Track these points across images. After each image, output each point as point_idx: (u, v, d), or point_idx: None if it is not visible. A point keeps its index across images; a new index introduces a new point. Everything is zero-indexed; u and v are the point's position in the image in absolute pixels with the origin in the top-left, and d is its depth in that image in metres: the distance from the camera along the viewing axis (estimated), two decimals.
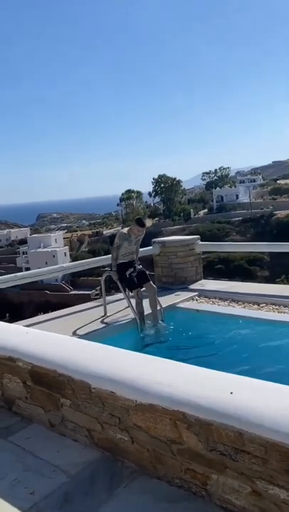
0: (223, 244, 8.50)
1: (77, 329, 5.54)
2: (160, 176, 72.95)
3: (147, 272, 6.00)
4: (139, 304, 5.74)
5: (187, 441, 1.99)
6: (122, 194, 72.83)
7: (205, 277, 7.90)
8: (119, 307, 6.27)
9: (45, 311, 11.43)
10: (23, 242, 69.37)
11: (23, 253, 63.65)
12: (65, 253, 61.43)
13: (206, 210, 73.64)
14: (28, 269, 61.20)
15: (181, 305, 6.50)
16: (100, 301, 6.45)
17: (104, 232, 68.71)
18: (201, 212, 72.94)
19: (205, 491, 1.98)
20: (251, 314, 5.80)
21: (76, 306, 6.97)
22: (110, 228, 73.35)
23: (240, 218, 62.93)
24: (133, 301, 5.75)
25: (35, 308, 48.63)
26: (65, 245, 64.79)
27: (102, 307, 6.24)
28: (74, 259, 58.59)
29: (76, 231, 73.80)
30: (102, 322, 5.84)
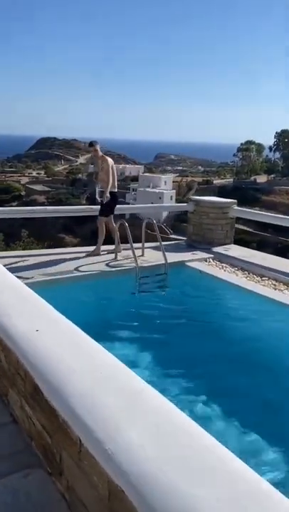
0: (259, 214, 8.27)
1: (81, 266, 6.20)
2: (283, 131, 68.05)
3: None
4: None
5: (3, 360, 2.53)
6: (241, 144, 69.87)
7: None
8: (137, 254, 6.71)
9: None
10: (135, 179, 71.46)
11: (133, 190, 65.84)
12: (171, 196, 62.09)
13: None
14: None
15: (191, 264, 6.75)
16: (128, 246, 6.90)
17: (214, 182, 67.49)
18: None
19: (7, 400, 2.54)
20: (244, 285, 5.88)
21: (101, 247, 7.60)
22: (222, 178, 71.71)
23: None
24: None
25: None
26: (173, 189, 65.39)
27: (122, 251, 6.80)
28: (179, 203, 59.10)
29: (187, 176, 73.54)
30: (107, 264, 6.41)
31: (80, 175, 72.10)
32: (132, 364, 4.21)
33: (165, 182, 65.71)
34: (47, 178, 74.57)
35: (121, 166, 79.64)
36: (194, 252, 7.22)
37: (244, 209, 8.16)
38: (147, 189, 63.13)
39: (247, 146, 68.23)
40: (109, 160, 6.71)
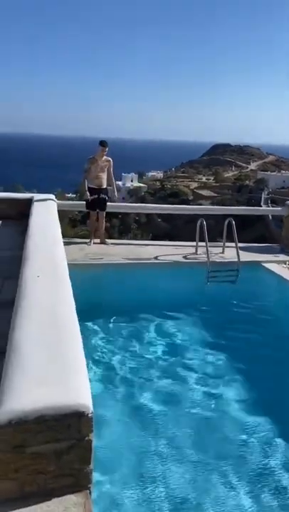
0: None
1: (161, 256, 7.15)
2: None
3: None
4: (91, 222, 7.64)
5: None
6: None
7: None
8: (215, 250, 7.37)
9: None
10: None
11: None
12: None
13: None
14: None
15: (266, 265, 7.05)
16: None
17: None
18: None
19: None
20: None
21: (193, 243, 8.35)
22: None
23: None
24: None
25: None
26: None
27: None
28: None
29: None
30: (185, 257, 7.21)
31: (247, 181, 71.85)
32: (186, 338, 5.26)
33: None
34: (215, 184, 76.31)
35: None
36: (277, 255, 7.45)
37: None
38: None
39: None
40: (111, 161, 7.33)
